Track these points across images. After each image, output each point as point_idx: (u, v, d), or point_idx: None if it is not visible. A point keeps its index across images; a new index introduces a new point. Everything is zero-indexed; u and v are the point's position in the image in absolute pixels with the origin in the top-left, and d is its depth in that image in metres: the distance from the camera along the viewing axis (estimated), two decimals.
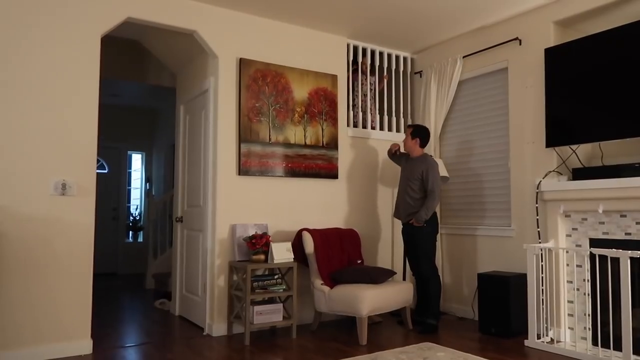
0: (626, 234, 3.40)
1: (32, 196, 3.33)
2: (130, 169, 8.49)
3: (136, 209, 8.49)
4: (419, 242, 4.12)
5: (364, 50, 5.04)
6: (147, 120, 8.51)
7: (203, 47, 4.14)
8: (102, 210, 7.84)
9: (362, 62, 5.04)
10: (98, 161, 7.88)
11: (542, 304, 3.73)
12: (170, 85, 5.72)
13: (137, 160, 8.60)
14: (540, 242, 3.91)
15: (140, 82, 5.74)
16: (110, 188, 8.09)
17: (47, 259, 3.35)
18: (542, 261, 3.75)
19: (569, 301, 3.72)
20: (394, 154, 4.45)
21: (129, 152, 8.41)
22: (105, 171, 8.10)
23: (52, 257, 3.37)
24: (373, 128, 5.03)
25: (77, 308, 3.45)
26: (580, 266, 3.66)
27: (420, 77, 5.20)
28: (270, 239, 3.96)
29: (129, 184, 8.45)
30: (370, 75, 5.10)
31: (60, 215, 3.41)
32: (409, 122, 5.29)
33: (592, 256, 3.54)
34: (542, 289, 3.73)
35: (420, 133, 4.25)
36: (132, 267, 8.08)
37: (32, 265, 3.30)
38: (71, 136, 3.48)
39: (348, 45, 4.89)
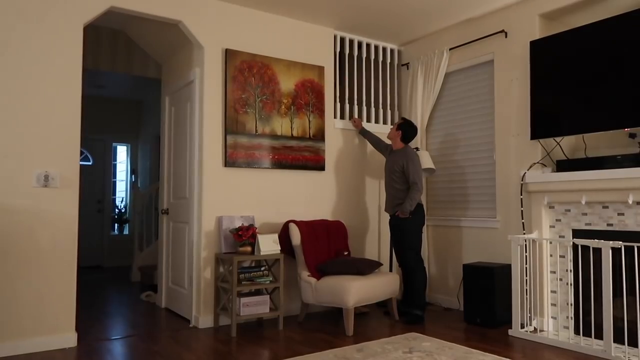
0: (608, 224, 3.45)
1: (14, 188, 3.27)
2: (116, 160, 8.40)
3: (121, 201, 8.41)
4: (405, 234, 4.15)
5: (351, 42, 5.03)
6: (132, 111, 8.41)
7: (188, 37, 4.09)
8: (87, 203, 7.77)
9: (348, 55, 5.02)
10: (82, 153, 7.81)
11: (526, 294, 3.78)
12: (156, 77, 5.66)
13: (122, 152, 8.51)
14: (524, 233, 3.95)
15: (125, 73, 5.67)
16: (95, 180, 8.00)
17: (30, 252, 3.31)
18: (526, 252, 3.79)
19: (552, 291, 3.78)
20: (361, 132, 4.85)
21: (114, 143, 8.31)
22: (90, 163, 8.00)
23: (36, 250, 3.33)
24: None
25: (62, 301, 3.41)
26: (563, 257, 3.71)
27: (407, 69, 5.20)
28: (256, 230, 3.95)
29: (114, 176, 8.36)
30: (357, 67, 5.09)
31: (43, 207, 3.37)
32: (397, 115, 5.30)
33: (574, 247, 3.59)
34: (526, 279, 3.78)
35: (406, 128, 4.26)
36: (117, 259, 8.02)
37: (15, 258, 3.26)
38: (54, 127, 3.43)
39: (335, 37, 4.87)
